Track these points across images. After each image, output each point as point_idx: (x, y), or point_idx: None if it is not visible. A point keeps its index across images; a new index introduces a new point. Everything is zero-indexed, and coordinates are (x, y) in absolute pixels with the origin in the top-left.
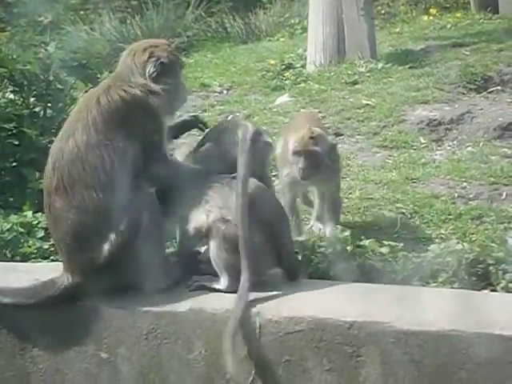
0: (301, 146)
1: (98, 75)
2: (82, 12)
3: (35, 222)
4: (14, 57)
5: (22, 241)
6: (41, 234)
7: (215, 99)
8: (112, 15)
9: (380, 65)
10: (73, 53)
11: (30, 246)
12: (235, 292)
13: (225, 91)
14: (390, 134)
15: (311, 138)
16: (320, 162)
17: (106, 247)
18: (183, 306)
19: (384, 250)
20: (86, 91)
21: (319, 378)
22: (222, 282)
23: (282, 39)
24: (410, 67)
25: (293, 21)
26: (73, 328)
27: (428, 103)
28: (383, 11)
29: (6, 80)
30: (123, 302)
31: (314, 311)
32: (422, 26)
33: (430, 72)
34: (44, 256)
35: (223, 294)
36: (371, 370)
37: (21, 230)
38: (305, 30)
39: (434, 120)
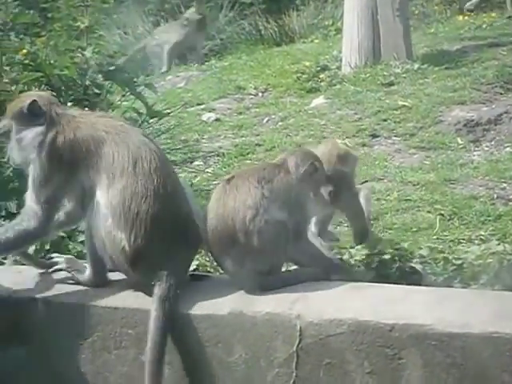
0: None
1: (135, 79)
2: (115, 16)
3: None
4: (52, 62)
5: (63, 244)
6: (81, 237)
7: (250, 102)
8: (145, 18)
9: (416, 65)
10: (109, 57)
11: (69, 250)
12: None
13: (260, 94)
14: (426, 135)
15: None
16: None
17: None
18: (223, 310)
19: (423, 251)
20: (123, 95)
21: (360, 380)
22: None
23: (316, 41)
24: (446, 68)
25: (326, 22)
26: (113, 331)
27: (465, 104)
28: (417, 11)
29: (43, 85)
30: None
31: (354, 313)
32: (456, 26)
33: (467, 72)
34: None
35: (263, 296)
36: (413, 373)
37: (61, 233)
38: (338, 31)
39: (472, 121)
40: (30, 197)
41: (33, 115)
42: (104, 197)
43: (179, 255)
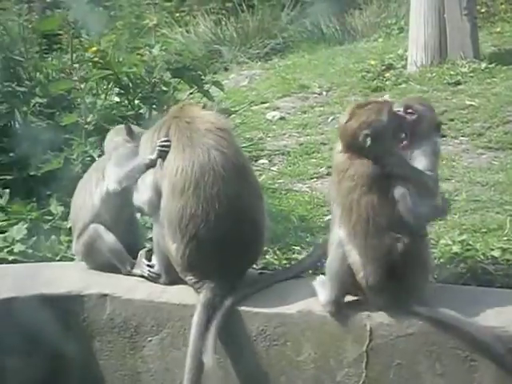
0: None
1: (203, 77)
2: (177, 14)
3: None
4: (120, 60)
5: None
6: None
7: (315, 100)
8: (207, 17)
9: (483, 65)
10: (177, 55)
11: None
12: None
13: (324, 92)
14: (495, 135)
15: None
16: None
17: None
18: (292, 308)
19: (495, 253)
20: (191, 93)
21: (431, 382)
22: None
23: (380, 40)
24: None
25: (389, 21)
26: (183, 328)
27: None
28: (482, 10)
29: (111, 83)
30: (233, 303)
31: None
32: None
33: None
34: None
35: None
36: (485, 375)
37: None
38: (402, 30)
39: None
40: None
41: None
42: (164, 205)
43: (231, 268)
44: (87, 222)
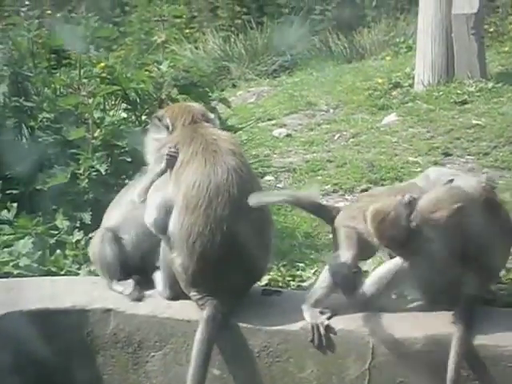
0: None
1: (210, 94)
2: (186, 31)
3: None
4: (128, 75)
5: None
6: None
7: (321, 118)
8: (216, 34)
9: (490, 84)
10: (185, 71)
11: None
12: None
13: (331, 110)
14: (501, 154)
15: None
16: None
17: None
18: (295, 325)
19: None
20: None
21: None
22: None
23: (388, 58)
24: None
25: (398, 39)
26: (186, 344)
27: None
28: (491, 29)
29: (119, 98)
30: (236, 319)
31: (427, 332)
32: None
33: None
34: None
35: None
36: None
37: None
38: (410, 48)
39: None
40: None
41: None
42: (176, 219)
43: (235, 285)
44: (112, 223)
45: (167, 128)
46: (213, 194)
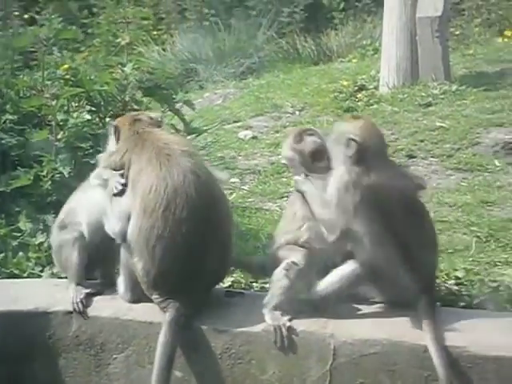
0: None
1: (174, 96)
2: (154, 33)
3: None
4: (92, 77)
5: None
6: None
7: (287, 120)
8: (184, 36)
9: (454, 87)
10: (149, 73)
11: None
12: None
13: (297, 112)
14: (464, 156)
15: None
16: None
17: None
18: (258, 327)
19: (459, 273)
20: (163, 111)
21: None
22: None
23: (354, 60)
24: (484, 89)
25: (364, 42)
26: (148, 346)
27: (503, 126)
28: (457, 32)
29: (83, 100)
30: (198, 321)
31: (388, 334)
32: (496, 48)
33: (506, 94)
34: None
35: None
36: None
37: None
38: (376, 51)
39: (510, 143)
40: None
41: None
42: (134, 223)
43: (197, 288)
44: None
45: (115, 138)
46: (170, 197)
